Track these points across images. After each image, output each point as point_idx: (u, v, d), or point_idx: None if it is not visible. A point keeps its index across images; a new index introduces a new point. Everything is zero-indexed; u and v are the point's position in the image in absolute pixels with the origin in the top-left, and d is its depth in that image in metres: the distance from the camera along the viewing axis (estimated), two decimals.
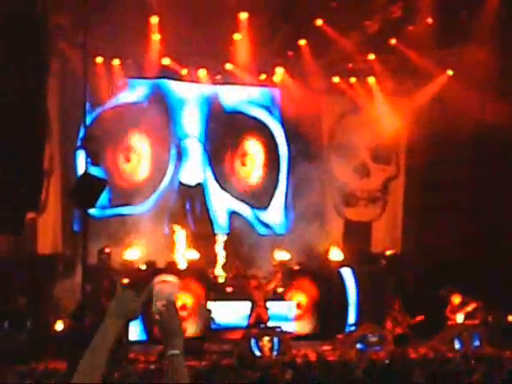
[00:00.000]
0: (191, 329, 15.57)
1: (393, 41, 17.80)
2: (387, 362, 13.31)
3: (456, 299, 15.92)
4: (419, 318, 15.79)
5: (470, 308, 15.86)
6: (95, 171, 14.35)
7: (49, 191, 16.60)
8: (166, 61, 17.59)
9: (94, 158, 14.36)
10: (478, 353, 14.61)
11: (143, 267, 16.57)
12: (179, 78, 18.29)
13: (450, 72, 18.32)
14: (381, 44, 17.84)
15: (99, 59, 17.21)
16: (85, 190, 14.01)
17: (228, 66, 18.12)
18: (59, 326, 15.31)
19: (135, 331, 15.40)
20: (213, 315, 15.58)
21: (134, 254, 16.67)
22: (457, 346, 15.38)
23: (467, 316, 15.90)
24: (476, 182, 18.20)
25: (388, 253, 18.38)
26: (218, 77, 18.47)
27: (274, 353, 14.82)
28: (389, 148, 19.12)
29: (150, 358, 14.04)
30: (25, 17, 14.23)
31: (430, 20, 17.23)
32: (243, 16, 17.01)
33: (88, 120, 16.79)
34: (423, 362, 13.28)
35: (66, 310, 15.02)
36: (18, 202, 14.64)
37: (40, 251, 16.41)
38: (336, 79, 18.67)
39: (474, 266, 17.02)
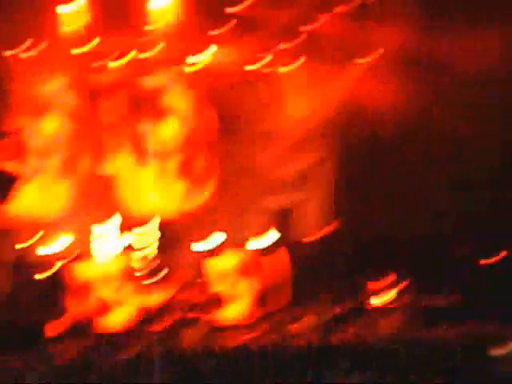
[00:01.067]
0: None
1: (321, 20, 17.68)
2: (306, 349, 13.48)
3: (376, 283, 16.06)
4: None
5: (388, 291, 16.02)
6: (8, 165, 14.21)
7: None
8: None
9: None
10: (399, 336, 14.82)
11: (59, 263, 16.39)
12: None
13: (380, 51, 18.15)
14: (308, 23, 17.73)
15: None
16: None
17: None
18: None
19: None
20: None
21: (50, 249, 16.54)
22: (377, 330, 15.54)
23: (386, 299, 16.05)
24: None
25: (311, 239, 18.44)
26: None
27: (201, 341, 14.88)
28: (313, 132, 19.05)
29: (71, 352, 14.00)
30: None
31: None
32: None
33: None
34: (345, 348, 13.45)
35: None
36: None
37: None
38: (254, 67, 18.54)
39: (405, 245, 17.14)
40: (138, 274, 16.56)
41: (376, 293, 16.06)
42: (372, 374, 13.05)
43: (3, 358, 12.39)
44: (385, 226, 17.71)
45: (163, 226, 17.60)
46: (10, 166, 14.85)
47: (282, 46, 18.09)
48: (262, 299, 17.07)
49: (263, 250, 17.79)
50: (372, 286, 16.13)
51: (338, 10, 17.55)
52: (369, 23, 17.58)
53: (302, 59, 18.22)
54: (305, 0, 17.60)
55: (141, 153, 18.12)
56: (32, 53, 17.06)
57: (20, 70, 17.15)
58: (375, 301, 16.06)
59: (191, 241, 17.51)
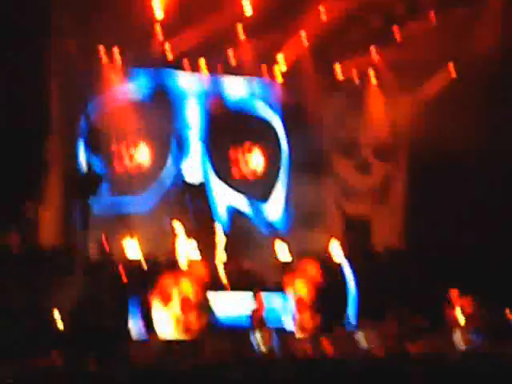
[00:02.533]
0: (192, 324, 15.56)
1: (395, 36, 17.71)
2: (385, 358, 13.37)
3: (455, 296, 15.93)
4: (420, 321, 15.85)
5: (469, 305, 15.88)
6: (95, 163, 14.34)
7: (49, 183, 16.54)
8: (168, 50, 17.52)
9: (94, 150, 14.35)
10: (477, 350, 14.68)
11: (144, 264, 16.53)
12: (181, 69, 18.21)
13: (453, 68, 18.26)
14: (383, 40, 17.77)
15: (100, 48, 17.14)
16: (84, 183, 14.04)
17: (230, 58, 18.07)
18: (59, 320, 15.29)
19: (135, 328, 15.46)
20: (214, 311, 15.57)
21: (135, 250, 16.63)
22: (457, 343, 15.39)
23: (467, 313, 15.92)
24: (480, 178, 18.11)
25: (388, 249, 18.39)
26: (220, 68, 18.39)
27: (274, 349, 14.82)
28: (390, 145, 19.10)
29: (150, 354, 14.02)
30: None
31: (432, 15, 17.16)
32: (246, 7, 16.86)
33: (89, 111, 16.80)
34: (423, 359, 13.32)
35: (65, 305, 15.05)
36: (17, 195, 14.67)
37: (41, 245, 16.37)
38: (338, 75, 18.63)
39: (475, 263, 17.01)
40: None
41: (452, 307, 15.95)
42: None
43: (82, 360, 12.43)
44: (455, 243, 17.62)
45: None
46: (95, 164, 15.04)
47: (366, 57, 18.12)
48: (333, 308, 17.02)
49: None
50: (448, 299, 16.02)
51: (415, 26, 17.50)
52: (445, 39, 17.50)
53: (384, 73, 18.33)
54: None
55: None
56: None
57: None
58: (451, 314, 15.95)
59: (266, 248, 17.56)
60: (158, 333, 15.01)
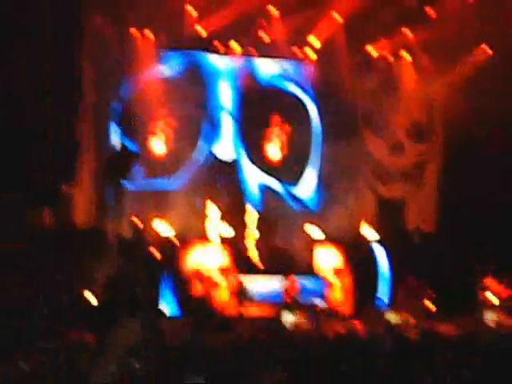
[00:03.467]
0: (223, 302, 15.64)
1: (429, 16, 17.57)
2: (417, 339, 13.30)
3: (489, 280, 15.85)
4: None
5: (501, 288, 15.80)
6: (128, 144, 14.42)
7: (84, 164, 16.67)
8: (200, 32, 17.54)
9: (127, 131, 14.42)
10: (509, 332, 14.58)
11: (176, 242, 16.63)
12: (213, 51, 18.24)
13: (488, 49, 18.12)
14: (417, 19, 17.64)
15: (133, 30, 17.20)
16: (118, 163, 14.12)
17: (261, 39, 18.07)
18: (92, 298, 15.45)
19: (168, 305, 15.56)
20: (246, 289, 15.63)
21: (167, 227, 16.73)
22: (489, 325, 15.31)
23: (499, 296, 15.83)
24: None
25: (421, 230, 18.30)
26: (252, 50, 18.40)
27: (307, 328, 14.85)
28: (424, 125, 18.94)
29: (183, 331, 14.09)
30: None
31: None
32: None
33: (122, 92, 16.85)
34: (455, 340, 13.23)
35: (99, 283, 15.20)
36: (52, 175, 14.80)
37: (76, 225, 16.51)
38: (371, 55, 18.56)
39: (508, 245, 16.87)
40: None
41: (485, 288, 15.87)
42: (476, 369, 12.79)
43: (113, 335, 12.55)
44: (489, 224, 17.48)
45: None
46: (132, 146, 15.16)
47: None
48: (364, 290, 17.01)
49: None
50: (481, 281, 15.95)
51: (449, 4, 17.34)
52: (479, 18, 17.30)
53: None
54: None
55: None
56: None
57: None
58: (484, 296, 15.88)
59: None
60: (190, 309, 15.15)
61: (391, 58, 18.72)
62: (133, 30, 17.18)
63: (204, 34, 17.67)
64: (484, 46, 18.08)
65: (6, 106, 14.71)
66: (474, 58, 18.22)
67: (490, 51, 18.08)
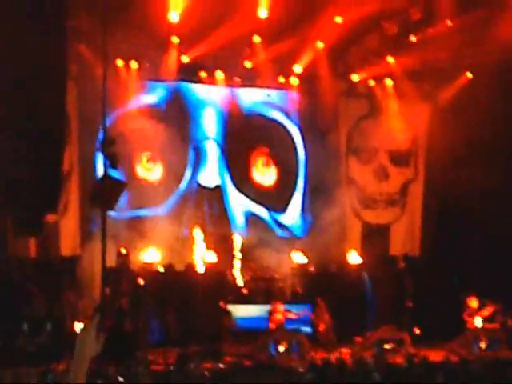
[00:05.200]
0: (210, 330, 15.60)
1: (412, 43, 17.74)
2: (405, 365, 13.28)
3: (473, 302, 15.87)
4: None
5: (486, 312, 15.82)
6: (114, 174, 14.40)
7: (69, 193, 16.69)
8: (185, 61, 17.63)
9: (112, 161, 14.41)
10: (496, 356, 14.56)
11: (161, 270, 16.63)
12: (198, 81, 18.35)
13: (469, 74, 18.34)
14: (399, 46, 17.81)
15: (118, 62, 17.30)
16: (104, 192, 14.08)
17: (246, 68, 18.19)
18: (78, 327, 15.39)
19: (153, 333, 15.50)
20: (233, 317, 15.59)
21: (153, 256, 16.73)
22: (475, 349, 15.29)
23: (485, 320, 15.84)
24: (495, 186, 18.05)
25: (406, 255, 18.35)
26: (237, 79, 18.52)
27: (293, 355, 14.80)
28: (407, 151, 19.12)
29: (168, 359, 14.06)
30: (42, 19, 14.35)
31: (449, 22, 17.15)
32: (261, 17, 16.94)
33: (107, 123, 16.87)
34: (442, 366, 13.22)
35: (85, 312, 15.13)
36: (37, 204, 14.76)
37: (62, 253, 16.50)
38: (354, 82, 18.73)
39: (492, 269, 16.91)
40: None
41: (474, 313, 15.87)
42: None
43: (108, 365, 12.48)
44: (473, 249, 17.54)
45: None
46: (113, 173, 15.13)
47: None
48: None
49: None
50: (468, 305, 15.95)
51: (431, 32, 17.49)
52: (460, 45, 17.46)
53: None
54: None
55: None
56: None
57: None
58: (471, 320, 15.88)
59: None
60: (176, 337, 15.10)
61: (374, 84, 18.92)
62: (118, 61, 17.28)
63: (188, 64, 17.78)
64: (465, 71, 18.30)
65: None
66: (455, 83, 18.42)
67: (471, 75, 18.28)
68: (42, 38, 14.32)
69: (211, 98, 18.60)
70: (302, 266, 17.59)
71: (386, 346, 15.16)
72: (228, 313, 15.68)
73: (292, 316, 15.86)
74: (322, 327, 16.46)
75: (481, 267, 16.97)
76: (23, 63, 14.01)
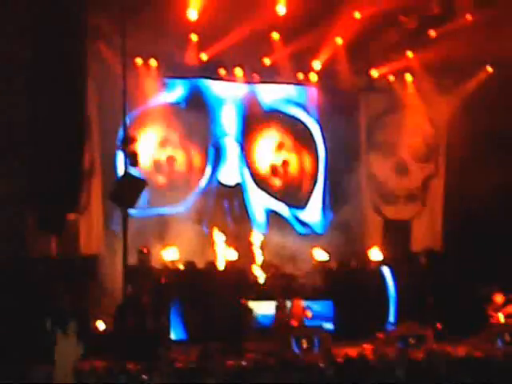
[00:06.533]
0: (231, 327, 15.62)
1: (431, 37, 17.67)
2: (428, 361, 13.23)
3: (498, 298, 15.78)
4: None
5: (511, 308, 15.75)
6: (134, 172, 14.47)
7: (90, 192, 16.76)
8: (204, 59, 17.66)
9: (132, 159, 14.46)
10: None
11: (182, 267, 16.67)
12: (217, 78, 18.37)
13: (489, 68, 18.28)
14: (419, 41, 17.75)
15: (138, 60, 17.35)
16: (125, 191, 14.14)
17: (265, 65, 18.20)
18: (101, 325, 15.45)
19: (175, 331, 15.56)
20: (254, 314, 15.60)
21: (173, 254, 16.77)
22: (499, 345, 15.21)
23: (509, 315, 15.76)
24: None
25: (427, 251, 18.29)
26: (256, 76, 18.53)
27: (315, 352, 14.79)
28: (428, 146, 19.09)
29: (191, 357, 14.08)
30: (63, 19, 14.41)
31: (468, 16, 17.09)
32: (280, 13, 16.90)
33: (127, 121, 16.93)
34: (466, 361, 13.15)
35: (107, 310, 15.21)
36: (58, 203, 14.83)
37: (82, 252, 16.58)
38: (374, 77, 18.70)
39: None
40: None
41: (499, 308, 15.81)
42: None
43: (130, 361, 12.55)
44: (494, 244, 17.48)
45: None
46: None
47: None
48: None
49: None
50: (493, 300, 15.89)
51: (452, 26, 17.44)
52: (481, 39, 17.38)
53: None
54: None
55: None
56: None
57: None
58: (495, 316, 15.81)
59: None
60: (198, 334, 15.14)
61: (394, 80, 18.88)
62: (138, 60, 17.34)
63: (208, 61, 17.80)
64: (485, 66, 18.24)
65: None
66: (475, 78, 18.36)
67: (491, 70, 18.21)
68: (63, 37, 14.41)
69: (230, 95, 18.62)
70: (323, 262, 17.59)
71: (409, 342, 15.12)
72: (249, 310, 15.69)
73: (308, 314, 15.81)
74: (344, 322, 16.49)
75: (503, 262, 16.92)
76: (44, 62, 14.11)
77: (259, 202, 18.61)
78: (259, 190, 18.66)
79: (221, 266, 16.95)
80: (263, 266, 17.16)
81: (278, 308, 15.63)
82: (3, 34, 13.91)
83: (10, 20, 13.97)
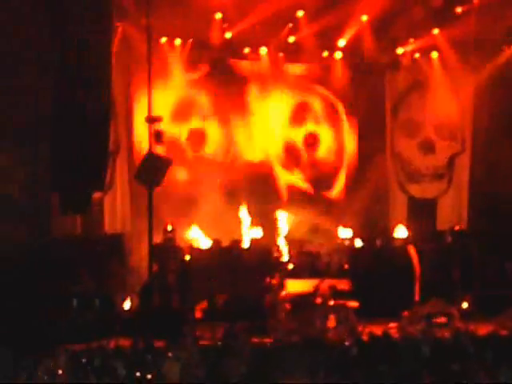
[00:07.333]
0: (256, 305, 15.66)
1: (457, 14, 17.52)
2: (454, 340, 13.20)
3: None
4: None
5: None
6: (160, 150, 14.56)
7: (115, 171, 16.83)
8: (229, 37, 17.63)
9: (158, 137, 14.52)
10: None
11: (207, 246, 16.73)
12: (241, 56, 18.34)
13: None
14: (445, 18, 17.61)
15: (163, 39, 17.36)
16: (150, 169, 14.20)
17: (290, 43, 18.14)
18: (126, 304, 15.56)
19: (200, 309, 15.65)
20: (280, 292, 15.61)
21: (199, 232, 16.83)
22: None
23: None
24: None
25: (454, 229, 18.20)
26: (280, 54, 18.48)
27: (340, 330, 14.80)
28: (454, 124, 18.96)
29: (216, 335, 14.15)
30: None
31: None
32: None
33: (152, 100, 16.96)
34: (492, 339, 13.10)
35: (132, 289, 15.32)
36: (83, 182, 14.92)
37: (107, 231, 16.68)
38: (399, 55, 18.60)
39: None
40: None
41: None
42: None
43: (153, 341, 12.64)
44: None
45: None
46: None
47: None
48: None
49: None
50: None
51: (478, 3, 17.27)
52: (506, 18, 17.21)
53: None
54: None
55: None
56: None
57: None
58: None
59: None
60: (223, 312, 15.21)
61: (420, 57, 18.75)
62: (162, 39, 17.34)
63: (232, 39, 17.77)
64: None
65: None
66: (502, 54, 18.20)
67: None
68: (88, 15, 14.45)
69: (255, 73, 18.59)
70: (348, 240, 17.58)
71: (435, 321, 15.09)
72: (274, 288, 15.71)
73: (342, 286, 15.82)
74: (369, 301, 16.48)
75: None
76: (68, 44, 14.17)
77: (284, 180, 18.65)
78: (284, 168, 18.68)
79: (246, 244, 17.01)
80: (288, 245, 17.18)
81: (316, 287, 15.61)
82: (24, 14, 14.01)
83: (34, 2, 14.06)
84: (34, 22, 14.10)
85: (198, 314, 15.81)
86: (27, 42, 13.90)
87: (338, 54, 18.63)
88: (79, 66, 14.39)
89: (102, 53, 14.84)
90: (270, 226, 17.24)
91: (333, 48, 18.51)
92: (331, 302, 15.57)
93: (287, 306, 15.23)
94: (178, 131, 18.11)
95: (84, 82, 14.35)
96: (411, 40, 18.41)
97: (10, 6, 13.99)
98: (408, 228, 17.88)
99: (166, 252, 15.75)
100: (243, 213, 17.33)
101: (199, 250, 16.52)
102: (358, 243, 17.63)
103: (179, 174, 17.80)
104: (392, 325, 15.20)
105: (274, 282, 15.33)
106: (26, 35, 13.94)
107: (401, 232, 17.86)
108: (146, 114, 14.70)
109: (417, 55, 18.77)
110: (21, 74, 13.77)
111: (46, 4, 14.03)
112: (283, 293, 15.48)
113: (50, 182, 14.01)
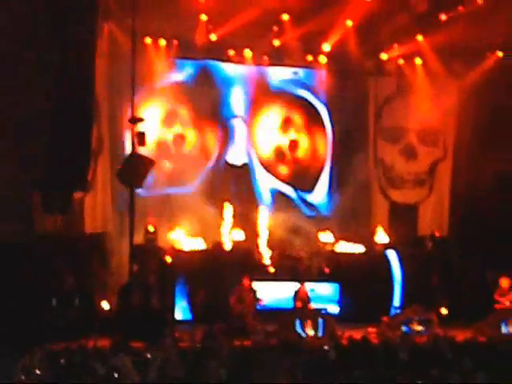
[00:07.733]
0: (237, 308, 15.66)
1: (442, 21, 17.60)
2: (432, 345, 13.25)
3: (504, 283, 15.77)
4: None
5: None
6: (142, 151, 14.53)
7: (97, 171, 16.78)
8: (214, 39, 17.65)
9: (140, 139, 14.51)
10: None
11: (189, 247, 16.71)
12: (226, 59, 18.35)
13: (499, 53, 18.21)
14: (429, 24, 17.69)
15: (147, 40, 17.34)
16: (132, 170, 14.19)
17: (274, 47, 18.17)
18: (105, 304, 15.52)
19: (180, 311, 15.62)
20: (258, 296, 15.61)
21: (180, 233, 16.82)
22: (504, 330, 15.22)
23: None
24: None
25: (434, 235, 18.29)
26: (265, 57, 18.51)
27: (319, 334, 14.83)
28: (436, 130, 19.07)
29: (195, 337, 14.14)
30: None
31: (479, 0, 17.02)
32: None
33: (135, 100, 16.94)
34: (469, 346, 13.15)
35: (112, 289, 15.27)
36: (65, 182, 14.89)
37: (87, 230, 16.61)
38: (383, 60, 18.66)
39: None
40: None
41: (506, 293, 15.82)
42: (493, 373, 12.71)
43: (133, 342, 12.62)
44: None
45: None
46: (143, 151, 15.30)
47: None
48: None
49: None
50: (499, 285, 15.89)
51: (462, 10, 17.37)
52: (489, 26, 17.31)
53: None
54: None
55: None
56: None
57: None
58: (502, 300, 15.82)
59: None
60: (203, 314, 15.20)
61: (403, 63, 18.83)
62: (147, 39, 17.33)
63: (217, 42, 17.78)
64: (495, 50, 18.17)
65: None
66: (485, 62, 18.31)
67: (501, 54, 18.15)
68: (73, 15, 14.44)
69: (239, 76, 18.62)
70: (329, 244, 17.62)
71: (413, 326, 15.14)
72: (254, 291, 15.70)
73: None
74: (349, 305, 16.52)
75: (509, 247, 16.91)
76: (51, 41, 14.14)
77: (266, 183, 18.67)
78: (266, 172, 18.71)
79: (227, 246, 17.01)
80: (269, 248, 17.20)
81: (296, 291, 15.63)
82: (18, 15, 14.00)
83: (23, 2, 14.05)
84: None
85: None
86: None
87: (323, 59, 18.68)
88: (62, 66, 14.40)
89: (86, 53, 14.84)
90: (251, 229, 17.29)
91: (317, 52, 18.55)
92: (311, 306, 15.68)
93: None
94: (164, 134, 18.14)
95: (66, 83, 14.35)
96: (395, 46, 18.48)
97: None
98: (389, 233, 17.96)
99: (147, 253, 15.75)
100: (224, 215, 17.34)
101: (180, 252, 16.50)
102: (339, 247, 17.69)
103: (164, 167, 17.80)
104: (371, 329, 15.26)
105: (245, 284, 15.32)
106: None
107: (382, 237, 17.93)
108: (128, 115, 14.73)
109: (401, 61, 18.85)
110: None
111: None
112: (257, 295, 15.50)
113: (32, 182, 13.99)
